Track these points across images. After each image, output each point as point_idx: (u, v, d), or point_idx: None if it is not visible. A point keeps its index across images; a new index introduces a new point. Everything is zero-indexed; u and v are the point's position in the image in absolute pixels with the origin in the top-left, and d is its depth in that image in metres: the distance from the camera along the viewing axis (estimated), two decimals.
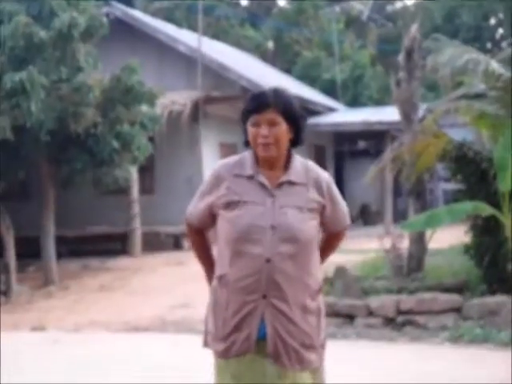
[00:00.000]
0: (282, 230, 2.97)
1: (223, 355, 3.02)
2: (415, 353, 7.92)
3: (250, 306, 2.97)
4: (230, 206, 3.04)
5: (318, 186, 3.11)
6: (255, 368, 2.98)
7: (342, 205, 3.23)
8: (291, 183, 3.06)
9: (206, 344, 3.15)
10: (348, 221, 3.28)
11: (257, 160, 3.10)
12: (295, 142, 3.11)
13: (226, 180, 3.08)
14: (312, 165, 3.17)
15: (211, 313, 3.10)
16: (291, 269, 2.98)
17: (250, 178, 3.07)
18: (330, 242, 3.32)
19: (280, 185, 3.05)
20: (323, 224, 3.16)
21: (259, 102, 3.05)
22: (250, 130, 3.06)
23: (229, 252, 3.02)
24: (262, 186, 3.05)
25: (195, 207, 3.21)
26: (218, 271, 3.10)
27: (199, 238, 3.29)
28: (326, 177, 3.18)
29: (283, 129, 3.04)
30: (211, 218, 3.15)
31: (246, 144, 3.13)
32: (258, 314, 2.97)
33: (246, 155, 3.14)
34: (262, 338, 2.98)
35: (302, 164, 3.14)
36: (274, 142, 3.02)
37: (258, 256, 2.96)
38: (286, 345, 2.97)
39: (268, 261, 2.95)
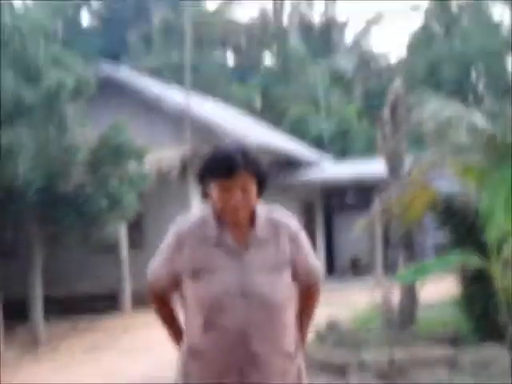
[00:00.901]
0: (253, 297, 2.79)
1: None
2: None
3: (226, 382, 2.80)
4: (196, 275, 2.82)
5: (289, 237, 2.91)
6: None
7: (313, 256, 3.03)
8: (259, 241, 2.86)
9: None
10: (321, 273, 3.08)
11: (219, 217, 2.87)
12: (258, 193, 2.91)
13: (188, 244, 2.87)
14: (278, 215, 2.95)
15: None
16: (267, 337, 2.80)
17: (215, 241, 2.85)
18: (307, 302, 3.07)
19: (247, 244, 2.85)
20: (295, 278, 2.93)
21: (229, 167, 2.79)
22: (218, 194, 2.82)
23: (200, 323, 2.82)
24: (229, 248, 2.84)
25: (157, 273, 2.99)
26: (187, 341, 2.90)
27: (164, 304, 3.07)
28: (295, 225, 2.98)
29: (254, 191, 2.84)
30: (175, 283, 2.92)
31: (205, 197, 2.92)
32: None
33: (207, 214, 2.90)
34: None
35: (266, 216, 2.91)
36: (244, 205, 2.81)
37: (232, 328, 2.77)
38: None
39: (243, 334, 2.77)
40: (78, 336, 13.88)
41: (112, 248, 15.47)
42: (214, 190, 2.84)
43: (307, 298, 3.08)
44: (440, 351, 8.92)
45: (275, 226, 2.91)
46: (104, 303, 16.24)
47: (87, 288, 16.19)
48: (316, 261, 3.05)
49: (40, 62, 12.56)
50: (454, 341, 9.29)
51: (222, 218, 2.87)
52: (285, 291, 2.87)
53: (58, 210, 12.90)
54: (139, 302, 15.75)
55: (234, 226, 2.86)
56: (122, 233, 15.56)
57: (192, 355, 2.87)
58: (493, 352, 8.59)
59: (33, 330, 13.49)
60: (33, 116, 12.34)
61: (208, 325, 2.80)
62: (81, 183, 12.77)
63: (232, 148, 2.86)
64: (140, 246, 16.90)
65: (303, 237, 2.99)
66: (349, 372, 9.09)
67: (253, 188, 2.84)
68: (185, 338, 2.93)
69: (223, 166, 2.80)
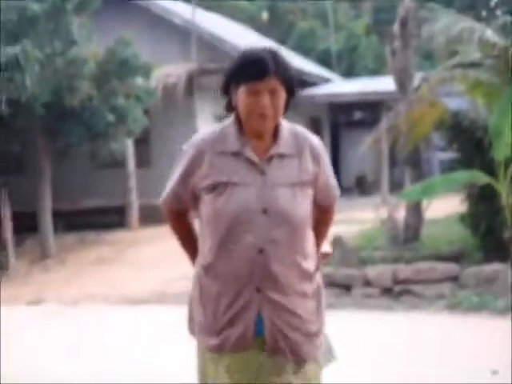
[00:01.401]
0: (274, 213, 2.67)
1: (217, 350, 2.76)
2: (413, 321, 7.98)
3: (244, 299, 2.70)
4: (216, 188, 2.70)
5: (312, 155, 2.80)
6: (251, 363, 2.74)
7: (332, 174, 2.92)
8: (281, 156, 2.74)
9: (192, 332, 2.89)
10: (337, 191, 2.95)
11: (241, 130, 2.75)
12: (284, 109, 2.78)
13: (208, 157, 2.73)
14: (302, 131, 2.84)
15: (198, 304, 2.81)
16: (286, 255, 2.70)
17: (236, 154, 2.72)
18: (322, 220, 2.96)
19: (270, 158, 2.72)
20: (314, 196, 2.82)
21: (260, 69, 2.67)
22: (245, 98, 2.69)
23: (217, 240, 2.72)
24: (251, 161, 2.71)
25: (176, 189, 2.83)
26: (203, 259, 2.79)
27: (183, 221, 2.93)
28: (319, 144, 2.85)
29: (283, 98, 2.71)
30: (193, 200, 2.80)
31: (228, 109, 2.80)
32: (253, 308, 2.70)
33: (228, 126, 2.78)
34: (258, 333, 2.72)
35: (290, 131, 2.80)
36: (272, 113, 2.69)
37: (251, 245, 2.67)
38: (287, 338, 2.74)
39: (261, 251, 2.67)
40: (85, 249, 14.08)
41: (120, 163, 15.51)
42: (241, 95, 2.71)
43: (322, 218, 2.97)
44: (444, 267, 9.02)
45: (299, 143, 2.79)
46: (111, 218, 16.38)
47: (95, 202, 16.31)
48: (334, 181, 2.94)
49: None
50: (459, 258, 9.38)
51: (246, 128, 2.74)
52: (306, 209, 2.76)
53: (65, 123, 12.90)
54: (146, 217, 15.89)
55: (258, 137, 2.74)
56: (130, 148, 15.57)
57: (208, 273, 2.77)
58: (496, 269, 8.70)
59: (42, 243, 13.68)
60: (38, 29, 12.20)
61: (226, 241, 2.70)
62: (87, 97, 12.72)
63: (263, 51, 2.75)
64: (147, 162, 16.94)
65: (325, 156, 2.87)
66: (353, 287, 9.23)
67: (282, 95, 2.71)
68: (200, 256, 2.83)
69: (254, 66, 2.69)
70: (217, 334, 2.75)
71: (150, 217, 15.91)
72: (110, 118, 12.83)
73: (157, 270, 11.56)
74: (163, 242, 13.80)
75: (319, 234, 2.97)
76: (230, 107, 2.80)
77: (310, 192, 2.79)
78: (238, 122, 2.77)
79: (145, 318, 8.82)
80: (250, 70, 2.69)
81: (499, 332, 7.11)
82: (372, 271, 9.21)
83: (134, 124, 13.35)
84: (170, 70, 16.04)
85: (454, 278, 8.93)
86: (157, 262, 12.16)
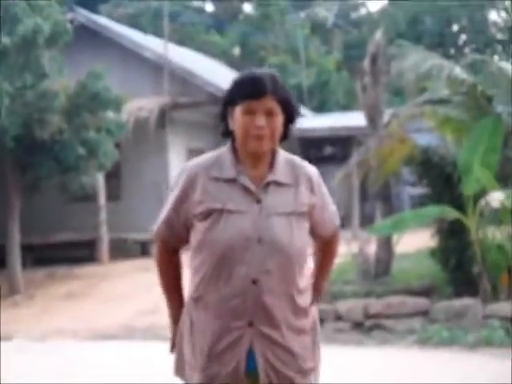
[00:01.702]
0: (269, 243, 2.58)
1: None
2: (384, 356, 7.96)
3: (234, 333, 2.59)
4: (210, 216, 2.60)
5: (308, 185, 2.73)
6: None
7: (331, 203, 2.85)
8: (278, 184, 2.66)
9: (178, 372, 2.76)
10: (337, 220, 2.87)
11: (236, 157, 2.67)
12: (283, 136, 2.71)
13: (201, 183, 2.64)
14: (298, 161, 2.78)
15: (188, 339, 2.69)
16: (280, 288, 2.60)
17: (232, 181, 2.63)
18: (326, 251, 2.90)
19: (266, 186, 2.65)
20: (311, 228, 2.75)
21: (257, 87, 2.61)
22: (241, 118, 2.62)
23: (209, 269, 2.62)
24: (246, 189, 2.62)
25: (169, 216, 2.71)
26: (193, 291, 2.69)
27: (173, 259, 2.80)
28: (315, 173, 2.81)
29: (280, 120, 2.64)
30: (186, 232, 2.70)
31: (225, 135, 2.72)
32: (244, 343, 2.59)
33: (224, 153, 2.70)
34: (250, 370, 2.61)
35: (287, 160, 2.73)
36: (269, 134, 2.61)
37: (244, 276, 2.57)
38: (281, 374, 2.63)
39: (254, 282, 2.56)
40: (54, 284, 13.91)
41: (90, 197, 15.44)
42: (237, 115, 2.63)
43: (326, 250, 2.91)
44: (414, 302, 9.03)
45: (295, 172, 2.73)
46: (81, 252, 16.24)
47: (65, 237, 16.17)
48: (334, 208, 2.87)
49: (15, 8, 12.33)
50: (429, 292, 9.41)
51: (242, 152, 2.67)
52: (301, 241, 2.67)
53: (35, 157, 12.82)
54: (116, 251, 15.78)
55: (254, 162, 2.66)
56: (100, 182, 15.51)
57: (198, 305, 2.67)
58: (466, 303, 8.73)
59: (10, 278, 13.49)
60: (8, 62, 12.16)
61: (219, 270, 2.60)
62: (58, 131, 12.67)
63: (261, 72, 2.71)
64: (117, 196, 16.87)
65: (322, 185, 2.82)
66: (324, 322, 9.20)
67: (279, 117, 2.65)
68: (190, 289, 2.72)
69: (251, 85, 2.63)
70: (207, 370, 2.63)
71: (119, 250, 15.81)
72: (81, 151, 12.78)
73: (126, 304, 11.45)
74: (133, 276, 13.71)
75: (323, 268, 2.90)
76: (227, 133, 2.72)
77: (306, 224, 2.72)
78: (234, 149, 2.70)
79: (113, 353, 8.70)
80: (247, 88, 2.63)
81: (470, 366, 7.12)
82: (343, 306, 9.19)
83: (105, 157, 13.30)
84: (142, 104, 16.06)
85: (424, 313, 8.94)
86: (126, 296, 12.04)
